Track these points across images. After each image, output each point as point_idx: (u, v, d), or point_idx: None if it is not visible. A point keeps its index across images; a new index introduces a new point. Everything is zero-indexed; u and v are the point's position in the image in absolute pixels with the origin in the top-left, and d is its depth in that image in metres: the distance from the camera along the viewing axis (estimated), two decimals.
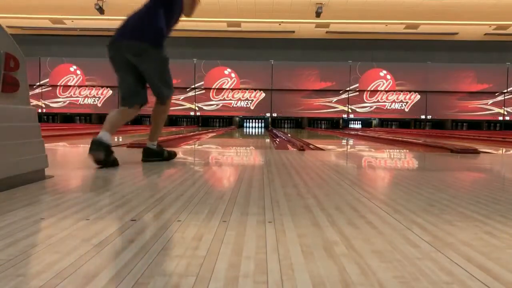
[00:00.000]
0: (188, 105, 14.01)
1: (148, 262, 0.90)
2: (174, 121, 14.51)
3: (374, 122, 14.76)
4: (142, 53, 2.71)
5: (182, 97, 13.83)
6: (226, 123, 14.60)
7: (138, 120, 14.12)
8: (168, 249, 1.00)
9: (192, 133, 8.41)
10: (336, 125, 14.47)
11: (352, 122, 14.68)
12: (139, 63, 2.75)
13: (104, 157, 2.58)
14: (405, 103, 14.09)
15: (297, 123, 14.58)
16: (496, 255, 0.99)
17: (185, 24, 8.42)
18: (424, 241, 1.09)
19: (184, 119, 14.74)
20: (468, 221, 1.32)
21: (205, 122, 14.50)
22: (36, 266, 0.87)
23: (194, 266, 0.88)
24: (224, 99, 14.08)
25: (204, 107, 14.01)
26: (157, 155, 2.98)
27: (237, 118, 14.65)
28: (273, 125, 14.33)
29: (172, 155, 3.09)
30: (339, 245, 1.04)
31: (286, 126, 14.59)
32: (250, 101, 14.10)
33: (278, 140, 6.70)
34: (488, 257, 0.97)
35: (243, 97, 14.08)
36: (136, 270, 0.85)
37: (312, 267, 0.88)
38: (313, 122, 14.49)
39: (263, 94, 14.05)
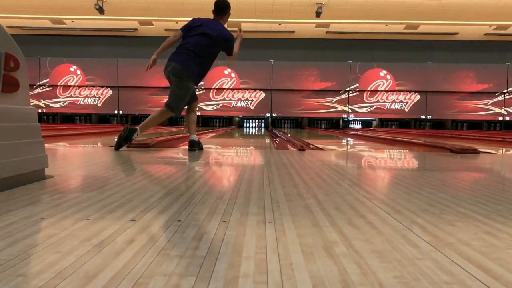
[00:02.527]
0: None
1: (148, 262, 0.90)
2: (174, 121, 14.48)
3: (375, 122, 14.76)
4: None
5: None
6: (226, 123, 14.60)
7: (139, 121, 14.11)
8: (168, 249, 1.00)
9: None
10: (336, 125, 14.46)
11: (352, 122, 14.67)
12: None
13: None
14: (405, 103, 14.07)
15: (297, 123, 14.58)
16: (496, 255, 0.99)
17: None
18: (424, 241, 1.09)
19: (184, 119, 14.57)
20: (468, 221, 1.32)
21: (205, 122, 14.49)
22: (36, 266, 0.87)
23: (194, 266, 0.88)
24: (224, 99, 14.08)
25: (204, 107, 14.00)
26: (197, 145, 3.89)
27: (237, 118, 14.66)
28: (273, 125, 14.33)
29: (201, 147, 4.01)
30: (339, 245, 1.04)
31: (286, 126, 14.59)
32: (250, 101, 14.10)
33: (278, 140, 6.70)
34: (488, 257, 0.97)
35: (243, 97, 14.09)
36: (136, 270, 0.85)
37: (312, 267, 0.88)
38: (313, 122, 14.49)
39: (263, 94, 14.05)
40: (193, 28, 3.86)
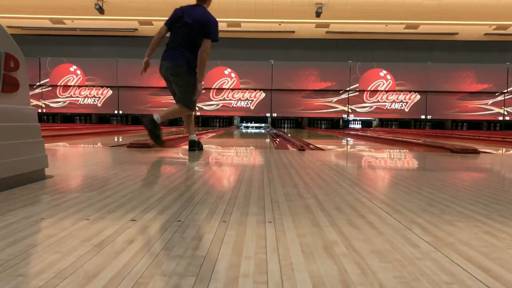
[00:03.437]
0: None
1: (148, 262, 0.90)
2: (174, 121, 14.48)
3: (375, 122, 14.76)
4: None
5: None
6: (226, 123, 14.61)
7: (139, 121, 14.14)
8: (168, 249, 1.00)
9: None
10: (336, 125, 14.47)
11: (352, 122, 14.68)
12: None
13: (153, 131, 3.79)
14: (405, 103, 14.07)
15: (297, 123, 14.58)
16: (496, 255, 0.99)
17: None
18: (424, 241, 1.09)
19: (183, 119, 14.63)
20: (468, 221, 1.32)
21: (205, 122, 14.51)
22: (36, 266, 0.87)
23: (194, 266, 0.88)
24: (224, 99, 14.08)
25: (204, 107, 14.00)
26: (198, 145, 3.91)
27: (238, 118, 14.68)
28: (273, 125, 14.34)
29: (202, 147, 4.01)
30: (339, 245, 1.04)
31: (286, 126, 14.60)
32: (250, 101, 14.10)
33: (278, 140, 6.70)
34: (488, 257, 0.97)
35: (243, 97, 14.08)
36: (136, 270, 0.85)
37: (312, 267, 0.88)
38: (313, 122, 14.49)
39: (263, 94, 14.04)
40: (176, 19, 3.80)
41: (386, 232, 1.18)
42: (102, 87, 14.22)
